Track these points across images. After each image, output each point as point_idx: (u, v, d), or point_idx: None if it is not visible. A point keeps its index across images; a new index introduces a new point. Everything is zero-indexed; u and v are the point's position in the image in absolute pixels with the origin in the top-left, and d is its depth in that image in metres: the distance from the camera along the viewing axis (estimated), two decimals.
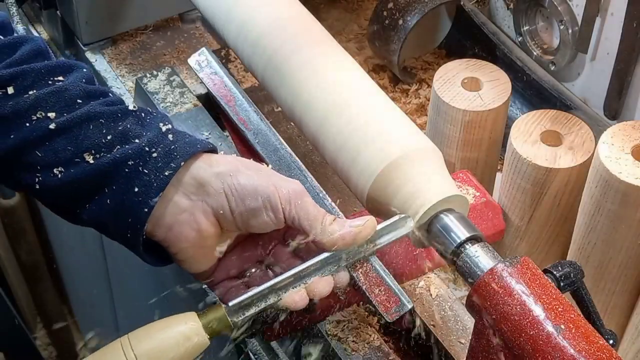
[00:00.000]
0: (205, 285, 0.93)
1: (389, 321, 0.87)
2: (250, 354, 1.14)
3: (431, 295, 1.07)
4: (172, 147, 0.86)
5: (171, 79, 1.33)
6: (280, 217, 0.86)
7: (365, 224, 0.86)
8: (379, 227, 0.88)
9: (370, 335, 1.04)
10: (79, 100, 0.87)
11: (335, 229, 0.86)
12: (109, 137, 0.86)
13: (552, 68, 1.32)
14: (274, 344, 1.14)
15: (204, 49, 1.11)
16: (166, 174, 0.85)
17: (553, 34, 1.33)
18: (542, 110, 1.11)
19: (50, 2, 1.45)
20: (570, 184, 1.06)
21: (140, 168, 0.85)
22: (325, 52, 1.03)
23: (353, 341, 1.03)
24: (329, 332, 1.04)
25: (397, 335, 1.08)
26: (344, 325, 1.05)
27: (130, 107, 0.89)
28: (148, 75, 1.33)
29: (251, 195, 0.86)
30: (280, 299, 0.85)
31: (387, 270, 0.89)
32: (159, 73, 1.33)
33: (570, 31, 1.27)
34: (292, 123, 1.18)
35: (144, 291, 1.70)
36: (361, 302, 1.07)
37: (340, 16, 1.60)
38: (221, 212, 0.86)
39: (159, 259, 0.91)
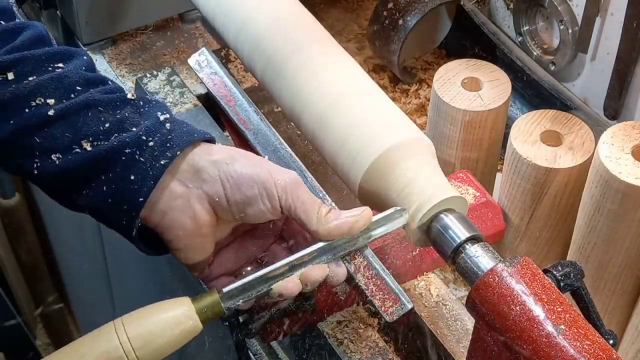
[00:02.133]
0: (200, 279, 0.94)
1: (389, 321, 0.87)
2: (250, 354, 1.14)
3: (431, 295, 1.07)
4: (169, 136, 0.87)
5: (171, 79, 1.33)
6: (276, 205, 0.86)
7: (362, 214, 0.87)
8: (375, 218, 0.88)
9: (370, 336, 1.04)
10: (78, 87, 0.88)
11: (331, 219, 0.86)
12: (106, 125, 0.86)
13: (552, 68, 1.33)
14: (274, 344, 1.14)
15: (204, 49, 1.11)
16: (162, 162, 0.85)
17: (553, 34, 1.33)
18: (542, 110, 1.11)
19: (50, 2, 1.45)
20: (570, 184, 1.06)
21: (136, 156, 0.85)
22: (325, 52, 1.03)
23: (353, 342, 1.03)
24: (329, 333, 1.04)
25: (397, 336, 1.08)
26: (344, 326, 1.05)
27: (129, 96, 0.89)
28: (148, 75, 1.33)
29: (247, 183, 0.86)
30: (273, 286, 0.86)
31: (387, 270, 0.89)
32: (159, 73, 1.33)
33: (570, 31, 1.27)
34: (292, 123, 1.18)
35: (144, 291, 1.70)
36: (361, 302, 1.07)
37: (340, 16, 1.60)
38: (217, 199, 0.87)
39: (154, 248, 0.91)
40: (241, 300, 0.86)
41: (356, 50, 1.52)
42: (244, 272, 0.92)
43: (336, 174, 1.00)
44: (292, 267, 0.86)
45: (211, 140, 0.90)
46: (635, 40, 1.14)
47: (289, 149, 0.96)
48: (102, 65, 1.44)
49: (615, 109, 1.23)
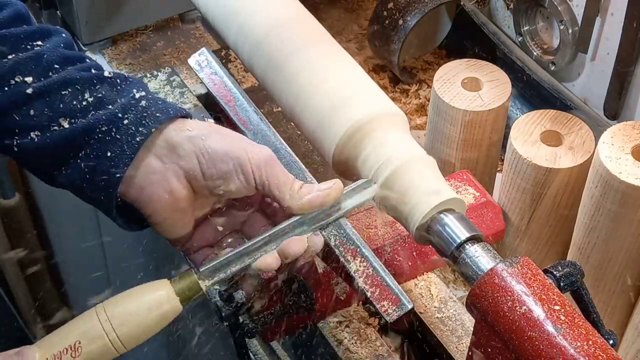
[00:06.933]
0: (182, 252, 0.95)
1: (389, 321, 0.87)
2: (250, 354, 1.14)
3: (431, 295, 1.07)
4: (144, 113, 0.88)
5: (171, 79, 1.33)
6: (250, 181, 0.88)
7: (333, 186, 0.89)
8: (345, 190, 0.90)
9: (370, 336, 1.04)
10: (55, 66, 0.89)
11: (303, 193, 0.88)
12: (84, 103, 0.88)
13: (552, 68, 1.33)
14: (274, 344, 1.15)
15: (204, 49, 1.11)
16: (137, 139, 0.87)
17: (553, 34, 1.33)
18: (542, 110, 1.11)
19: (50, 2, 1.45)
20: (570, 184, 1.06)
21: (112, 134, 0.87)
22: (325, 52, 1.03)
23: (353, 342, 1.03)
24: (329, 333, 1.04)
25: (397, 335, 1.08)
26: (344, 326, 1.05)
27: (106, 74, 0.91)
28: (148, 75, 1.33)
29: (222, 158, 0.88)
30: (253, 261, 0.87)
31: (387, 270, 0.89)
32: (159, 73, 1.33)
33: (570, 31, 1.27)
34: (292, 123, 1.18)
35: None
36: (361, 302, 1.07)
37: (340, 16, 1.60)
38: (193, 174, 0.88)
39: (133, 223, 0.93)
40: (219, 277, 0.87)
41: (356, 50, 1.52)
42: (224, 244, 0.93)
43: (336, 175, 1.00)
44: (269, 242, 0.88)
45: (187, 116, 0.92)
46: (635, 40, 1.15)
47: (289, 149, 0.96)
48: (102, 65, 1.44)
49: (615, 109, 1.23)
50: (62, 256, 2.54)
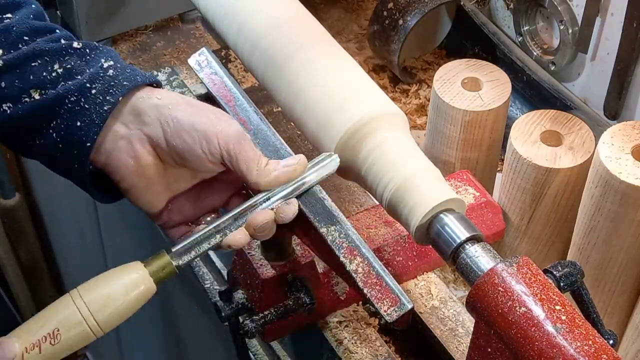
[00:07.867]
0: (160, 227, 0.96)
1: (389, 321, 0.87)
2: (250, 354, 1.15)
3: (431, 295, 1.07)
4: (112, 82, 0.89)
5: (171, 79, 1.33)
6: (215, 154, 0.89)
7: (298, 162, 0.91)
8: (308, 165, 0.92)
9: (370, 335, 1.04)
10: (25, 37, 0.90)
11: (270, 170, 0.89)
12: (53, 74, 0.89)
13: (552, 68, 1.33)
14: (274, 344, 1.15)
15: (204, 49, 1.11)
16: (105, 108, 0.88)
17: (553, 34, 1.33)
18: (542, 110, 1.11)
19: (50, 2, 1.45)
20: (570, 184, 1.06)
21: (81, 103, 0.88)
22: (325, 52, 1.03)
23: (353, 342, 1.04)
24: (329, 333, 1.04)
25: (397, 335, 1.08)
26: (344, 326, 1.05)
27: (75, 44, 0.91)
28: None
29: (186, 129, 0.88)
30: (222, 239, 0.88)
31: (387, 270, 0.89)
32: (159, 73, 1.33)
33: (570, 31, 1.27)
34: (292, 123, 1.18)
35: None
36: (361, 302, 1.07)
37: (340, 16, 1.60)
38: (156, 141, 0.89)
39: (107, 194, 0.94)
40: (191, 256, 0.88)
41: (356, 50, 1.52)
42: (203, 222, 0.94)
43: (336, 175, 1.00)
44: (238, 218, 0.89)
45: (158, 85, 0.93)
46: (635, 40, 1.15)
47: (289, 149, 0.96)
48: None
49: (615, 109, 1.23)
50: (62, 256, 2.54)
